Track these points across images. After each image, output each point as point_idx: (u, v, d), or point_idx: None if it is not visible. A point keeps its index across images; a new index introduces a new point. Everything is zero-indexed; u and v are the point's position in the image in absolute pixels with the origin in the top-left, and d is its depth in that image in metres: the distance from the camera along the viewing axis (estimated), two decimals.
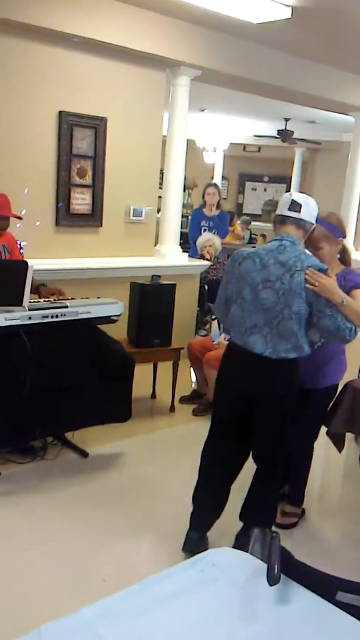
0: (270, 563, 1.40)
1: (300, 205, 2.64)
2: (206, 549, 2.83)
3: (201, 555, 1.52)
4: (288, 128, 10.39)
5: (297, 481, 3.25)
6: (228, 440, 2.85)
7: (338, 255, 3.00)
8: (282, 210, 2.68)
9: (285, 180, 14.29)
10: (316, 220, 2.75)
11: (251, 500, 2.90)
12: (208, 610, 1.38)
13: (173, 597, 1.38)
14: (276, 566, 1.40)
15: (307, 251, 2.74)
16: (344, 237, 2.95)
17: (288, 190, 14.05)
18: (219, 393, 2.86)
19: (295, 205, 2.64)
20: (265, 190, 15.32)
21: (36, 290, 3.61)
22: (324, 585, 1.47)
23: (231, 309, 2.74)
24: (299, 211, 2.63)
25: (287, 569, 1.44)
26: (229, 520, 2.92)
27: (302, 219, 2.65)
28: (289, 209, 2.65)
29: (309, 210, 2.67)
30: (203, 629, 1.32)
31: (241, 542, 2.78)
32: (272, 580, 1.38)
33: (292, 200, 2.65)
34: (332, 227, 2.87)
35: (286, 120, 10.16)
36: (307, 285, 2.54)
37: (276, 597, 1.43)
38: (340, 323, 2.57)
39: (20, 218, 3.56)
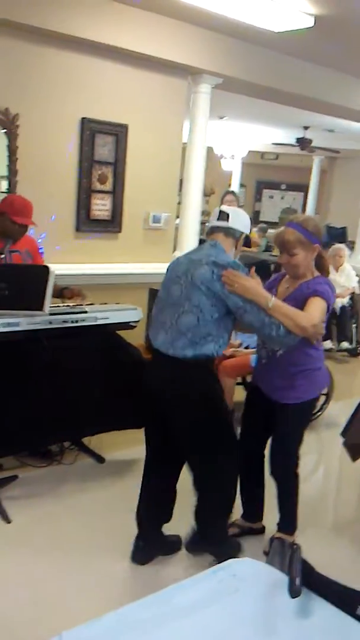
0: (291, 575, 1.40)
1: (228, 215, 2.69)
2: (156, 554, 2.86)
3: (222, 565, 1.52)
4: (307, 136, 10.38)
5: (283, 506, 3.02)
6: (154, 444, 2.84)
7: (313, 262, 2.86)
8: (212, 221, 2.73)
9: (303, 188, 14.29)
10: (292, 226, 2.75)
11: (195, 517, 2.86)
12: (228, 621, 1.37)
13: (193, 607, 1.38)
14: (297, 578, 1.39)
15: (231, 255, 2.67)
16: (320, 243, 2.84)
17: (305, 198, 14.06)
18: (142, 396, 2.84)
19: (223, 215, 2.70)
20: (282, 198, 15.32)
21: (60, 293, 3.63)
22: (345, 599, 1.47)
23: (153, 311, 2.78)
24: (227, 220, 2.68)
25: (308, 581, 1.44)
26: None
27: (230, 227, 2.68)
28: (218, 219, 2.70)
29: (238, 219, 2.71)
30: None
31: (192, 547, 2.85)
32: (293, 592, 1.38)
33: (220, 210, 2.73)
34: (307, 232, 2.74)
35: (305, 128, 10.15)
36: (227, 287, 2.49)
37: (296, 609, 1.42)
38: (265, 318, 2.48)
39: (31, 224, 3.56)
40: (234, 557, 1.63)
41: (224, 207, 2.77)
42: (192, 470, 2.74)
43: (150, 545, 2.90)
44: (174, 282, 2.62)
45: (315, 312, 2.61)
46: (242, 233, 2.71)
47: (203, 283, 2.50)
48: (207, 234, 2.75)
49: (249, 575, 1.50)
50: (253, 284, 2.51)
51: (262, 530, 3.17)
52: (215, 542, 2.82)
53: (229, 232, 2.68)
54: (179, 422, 2.66)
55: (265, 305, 2.48)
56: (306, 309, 2.62)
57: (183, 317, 2.54)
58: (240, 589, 1.45)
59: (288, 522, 3.03)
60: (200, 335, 2.53)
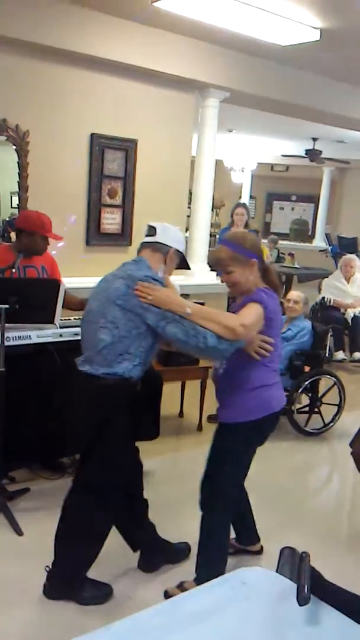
0: (300, 583, 1.40)
1: (155, 229, 2.58)
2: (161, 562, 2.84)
3: (231, 573, 1.52)
4: (316, 148, 10.43)
5: (200, 551, 2.67)
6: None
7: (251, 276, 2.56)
8: (143, 238, 2.64)
9: (314, 200, 14.32)
10: (224, 243, 2.62)
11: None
12: (237, 629, 1.37)
13: (202, 615, 1.38)
14: (306, 586, 1.39)
15: (159, 272, 2.52)
16: (258, 258, 2.58)
17: (316, 209, 14.09)
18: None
19: (150, 230, 2.59)
20: (292, 209, 15.36)
21: (81, 306, 3.63)
22: (355, 608, 1.46)
23: None
24: (154, 234, 2.57)
25: (317, 589, 1.43)
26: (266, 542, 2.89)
27: (157, 242, 2.56)
28: (146, 235, 2.60)
29: (166, 233, 2.59)
30: None
31: None
32: (302, 600, 1.37)
33: (149, 225, 2.62)
34: (242, 248, 2.53)
35: (314, 140, 10.20)
36: (142, 300, 2.36)
37: (306, 618, 1.42)
38: (189, 329, 2.33)
39: (60, 238, 3.63)
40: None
41: (153, 222, 2.64)
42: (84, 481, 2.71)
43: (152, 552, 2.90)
44: (94, 299, 2.54)
45: (246, 312, 2.42)
46: (171, 248, 2.58)
47: (119, 298, 2.41)
48: (138, 251, 2.64)
49: (259, 583, 1.50)
50: (167, 293, 2.38)
51: (259, 552, 3.07)
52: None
53: (156, 247, 2.57)
54: (87, 439, 2.63)
55: (183, 312, 2.34)
56: (239, 312, 2.45)
57: (97, 333, 2.45)
58: (250, 597, 1.45)
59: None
60: (115, 352, 2.43)
